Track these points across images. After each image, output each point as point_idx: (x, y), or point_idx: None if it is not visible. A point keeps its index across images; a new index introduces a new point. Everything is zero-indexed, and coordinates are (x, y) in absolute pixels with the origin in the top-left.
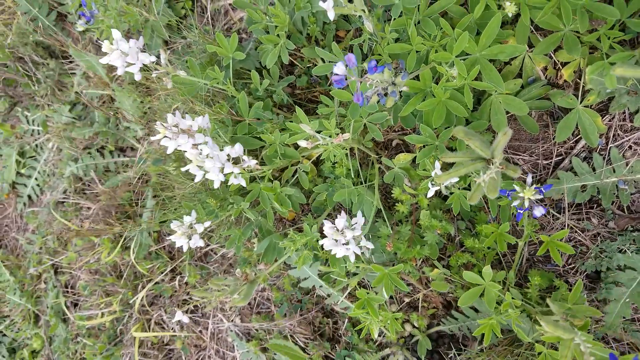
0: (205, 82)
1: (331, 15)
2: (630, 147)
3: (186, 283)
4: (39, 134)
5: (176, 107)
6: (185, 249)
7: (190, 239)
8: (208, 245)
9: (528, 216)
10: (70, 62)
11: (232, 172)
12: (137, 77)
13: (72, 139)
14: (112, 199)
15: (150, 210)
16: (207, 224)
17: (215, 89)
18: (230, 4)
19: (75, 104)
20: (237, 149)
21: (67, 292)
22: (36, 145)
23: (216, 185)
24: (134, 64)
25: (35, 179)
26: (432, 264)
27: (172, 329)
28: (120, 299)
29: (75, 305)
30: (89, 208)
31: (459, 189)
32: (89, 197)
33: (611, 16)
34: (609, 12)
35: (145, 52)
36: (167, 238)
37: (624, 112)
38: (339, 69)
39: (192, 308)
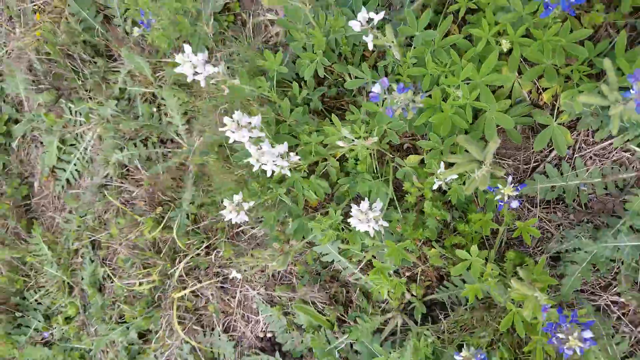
0: (252, 89)
1: (370, 46)
2: (590, 157)
3: (220, 257)
4: (80, 124)
5: (223, 107)
6: (235, 220)
7: (238, 214)
8: (240, 226)
9: (507, 208)
10: (114, 60)
11: (282, 165)
12: (203, 84)
13: (117, 129)
14: (155, 184)
15: (191, 194)
16: (252, 203)
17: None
18: (269, 20)
19: (119, 99)
20: (284, 147)
21: (105, 264)
22: (77, 134)
23: (269, 174)
24: (201, 73)
25: (74, 164)
26: (431, 245)
27: (205, 296)
28: (159, 270)
29: (112, 277)
30: (130, 191)
31: (457, 184)
32: (131, 182)
33: (582, 55)
34: (580, 51)
35: (209, 62)
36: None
37: (588, 130)
38: (377, 88)
39: (222, 279)
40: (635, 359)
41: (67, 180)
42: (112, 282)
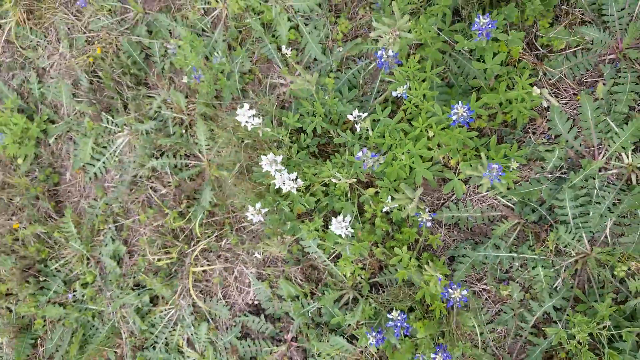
0: (275, 135)
1: (358, 128)
2: (476, 200)
3: (228, 244)
4: (114, 133)
5: (247, 141)
6: (255, 220)
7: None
8: (242, 223)
9: (425, 226)
10: (149, 89)
11: (291, 186)
12: (249, 128)
13: (152, 142)
14: (179, 186)
15: (209, 196)
16: (264, 210)
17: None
18: (280, 83)
19: (153, 118)
20: (294, 175)
21: (127, 243)
22: (109, 140)
23: (285, 191)
24: (250, 123)
25: (103, 162)
26: (377, 245)
27: (211, 272)
28: (178, 250)
29: (132, 254)
30: (158, 189)
31: (397, 210)
32: (159, 183)
33: (471, 144)
34: (470, 143)
35: (256, 117)
36: (220, 214)
37: (475, 185)
38: (361, 154)
39: (223, 261)
40: (494, 324)
41: (95, 174)
42: (130, 258)
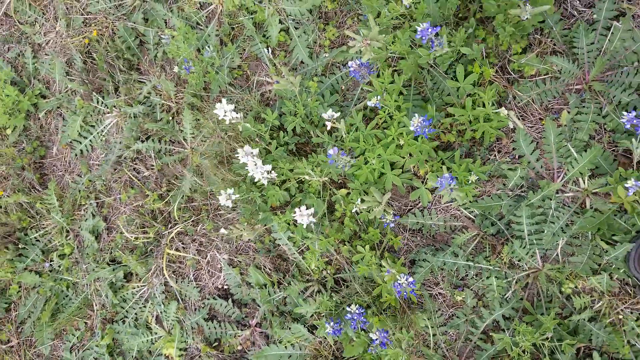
0: (255, 130)
1: (328, 127)
2: (440, 209)
3: (203, 229)
4: (103, 113)
5: (230, 133)
6: (224, 204)
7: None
8: (219, 210)
9: (389, 228)
10: (141, 74)
11: (265, 177)
12: (227, 121)
13: (139, 126)
14: (162, 170)
15: (189, 182)
16: (237, 196)
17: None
18: (266, 81)
19: (142, 103)
20: (269, 167)
21: (106, 220)
22: (97, 119)
23: (256, 180)
24: (228, 117)
25: (90, 140)
26: (344, 243)
27: (185, 254)
28: (155, 231)
29: (111, 230)
30: (141, 171)
31: (365, 211)
32: (142, 165)
33: (438, 156)
34: (437, 155)
35: (234, 112)
36: (198, 200)
37: (440, 195)
38: (332, 151)
39: (198, 245)
40: (447, 327)
41: (81, 150)
42: (108, 234)
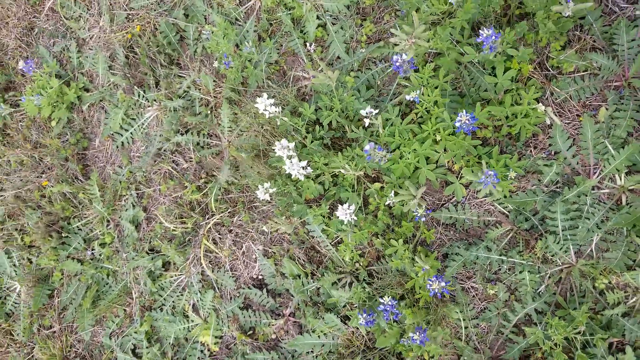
0: (292, 124)
1: (366, 122)
2: (474, 204)
3: (240, 220)
4: (144, 107)
5: (263, 127)
6: (262, 198)
7: (266, 192)
8: (254, 203)
9: (422, 221)
10: (180, 69)
11: (300, 173)
12: (267, 116)
13: (179, 119)
14: (200, 163)
15: (226, 174)
16: (274, 189)
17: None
18: (302, 76)
19: (181, 97)
20: (304, 164)
21: (146, 210)
22: (138, 112)
23: (293, 177)
24: (268, 111)
25: (131, 133)
26: (377, 236)
27: (222, 245)
28: (193, 221)
29: (151, 220)
30: (180, 163)
31: (399, 204)
32: (182, 157)
33: (474, 152)
34: (474, 150)
35: (274, 105)
36: (234, 192)
37: (475, 189)
38: (369, 146)
39: (234, 236)
40: (479, 320)
41: (122, 143)
42: (148, 224)
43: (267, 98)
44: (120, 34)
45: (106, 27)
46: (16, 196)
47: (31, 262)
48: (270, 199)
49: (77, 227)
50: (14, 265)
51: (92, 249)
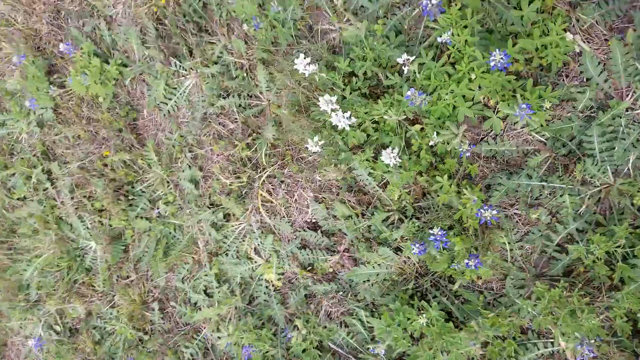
0: (330, 78)
1: (405, 70)
2: (512, 136)
3: (289, 172)
4: (183, 76)
5: (300, 84)
6: (313, 150)
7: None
8: (302, 155)
9: (465, 157)
10: (211, 35)
11: (345, 123)
12: (307, 74)
13: (219, 84)
14: (245, 122)
15: (271, 131)
16: (321, 142)
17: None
18: (330, 29)
19: (216, 63)
20: (348, 114)
21: (202, 169)
22: (178, 81)
23: (340, 128)
24: (307, 70)
25: (174, 101)
26: (421, 174)
27: (275, 194)
28: (247, 176)
29: (207, 178)
30: (226, 124)
31: (441, 143)
32: (228, 120)
33: (509, 85)
34: (508, 84)
35: (310, 63)
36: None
37: (512, 122)
38: (410, 92)
39: (286, 185)
40: (523, 242)
41: (168, 111)
42: (205, 182)
43: (304, 57)
44: (145, 8)
45: (130, 2)
46: (80, 167)
47: (102, 224)
48: (318, 150)
49: (141, 189)
50: (87, 227)
51: (158, 208)
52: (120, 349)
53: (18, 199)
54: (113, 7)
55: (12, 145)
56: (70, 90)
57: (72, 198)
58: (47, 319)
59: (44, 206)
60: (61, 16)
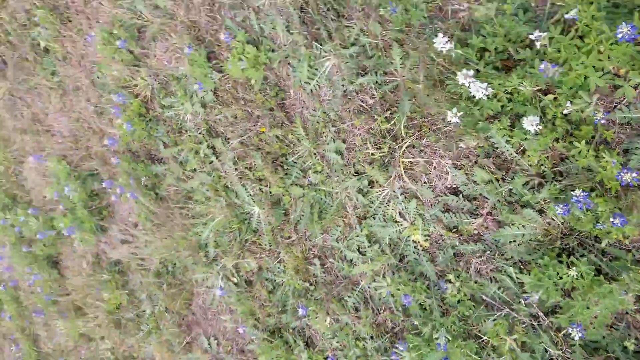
0: (464, 54)
1: (537, 45)
2: None
3: (428, 141)
4: (323, 57)
5: (434, 61)
6: (455, 121)
7: (455, 116)
8: (438, 126)
9: (600, 123)
10: (347, 20)
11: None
12: (444, 51)
13: (357, 64)
14: (383, 97)
15: (407, 105)
16: (460, 114)
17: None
18: (460, 9)
19: (353, 44)
20: (485, 85)
21: (345, 141)
22: (318, 63)
23: (477, 98)
24: (445, 48)
25: (316, 81)
26: (557, 141)
27: (415, 162)
28: (388, 146)
29: (350, 150)
30: (365, 100)
31: (574, 111)
32: (367, 96)
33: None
34: (637, 56)
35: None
36: (418, 119)
37: None
38: (543, 65)
39: (425, 154)
40: None
41: (311, 90)
42: (349, 153)
43: (442, 36)
44: None
45: None
46: (240, 142)
47: (262, 191)
48: (456, 121)
49: (293, 160)
50: (250, 194)
51: (309, 177)
52: (290, 297)
53: (190, 170)
54: None
55: (181, 124)
56: (227, 74)
57: (235, 169)
58: (225, 273)
59: (212, 176)
60: (215, 8)
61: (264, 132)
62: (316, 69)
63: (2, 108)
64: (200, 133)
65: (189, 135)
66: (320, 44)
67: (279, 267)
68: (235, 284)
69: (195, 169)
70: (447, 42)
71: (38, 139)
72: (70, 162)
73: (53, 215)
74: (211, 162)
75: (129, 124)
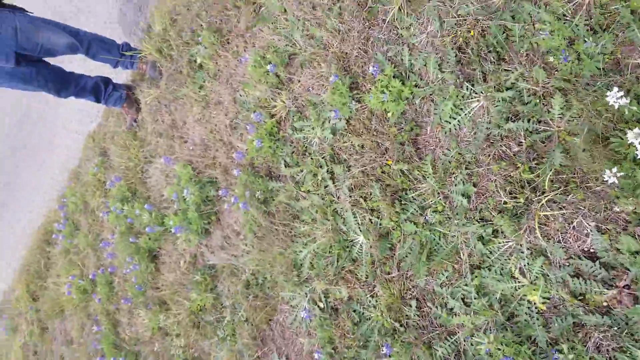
0: (638, 111)
1: None
2: None
3: (574, 198)
4: (471, 98)
5: (601, 115)
6: (613, 181)
7: (614, 176)
8: (588, 184)
9: None
10: (507, 63)
11: None
12: (616, 106)
13: (510, 108)
14: (532, 146)
15: (559, 157)
16: (619, 174)
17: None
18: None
19: (509, 88)
20: None
21: (476, 185)
22: (465, 103)
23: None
24: (617, 103)
25: (458, 121)
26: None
27: (554, 218)
28: (526, 197)
29: (479, 197)
30: (507, 147)
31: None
32: (513, 142)
33: None
34: None
35: (623, 96)
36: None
37: None
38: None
39: (567, 212)
40: None
41: (450, 129)
42: (477, 198)
43: (617, 91)
44: (448, 38)
45: (435, 32)
46: (362, 171)
47: (372, 222)
48: (614, 181)
49: (412, 197)
50: (358, 223)
51: (426, 215)
52: (376, 334)
53: (304, 191)
54: (418, 35)
55: (306, 147)
56: (364, 105)
57: (350, 196)
58: (313, 296)
59: (324, 200)
60: (369, 43)
61: (389, 164)
62: (461, 109)
63: (146, 112)
64: (323, 157)
65: (312, 158)
66: (472, 85)
67: (370, 301)
68: (321, 309)
69: (309, 191)
70: (621, 96)
71: (171, 143)
72: (195, 168)
73: (165, 213)
74: (326, 186)
75: (259, 140)
